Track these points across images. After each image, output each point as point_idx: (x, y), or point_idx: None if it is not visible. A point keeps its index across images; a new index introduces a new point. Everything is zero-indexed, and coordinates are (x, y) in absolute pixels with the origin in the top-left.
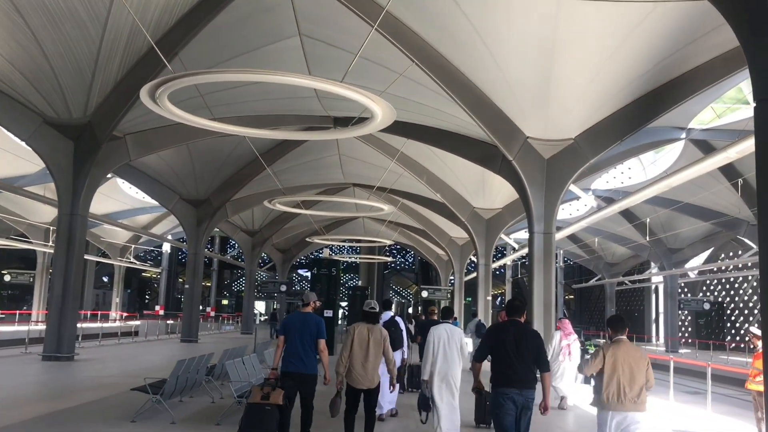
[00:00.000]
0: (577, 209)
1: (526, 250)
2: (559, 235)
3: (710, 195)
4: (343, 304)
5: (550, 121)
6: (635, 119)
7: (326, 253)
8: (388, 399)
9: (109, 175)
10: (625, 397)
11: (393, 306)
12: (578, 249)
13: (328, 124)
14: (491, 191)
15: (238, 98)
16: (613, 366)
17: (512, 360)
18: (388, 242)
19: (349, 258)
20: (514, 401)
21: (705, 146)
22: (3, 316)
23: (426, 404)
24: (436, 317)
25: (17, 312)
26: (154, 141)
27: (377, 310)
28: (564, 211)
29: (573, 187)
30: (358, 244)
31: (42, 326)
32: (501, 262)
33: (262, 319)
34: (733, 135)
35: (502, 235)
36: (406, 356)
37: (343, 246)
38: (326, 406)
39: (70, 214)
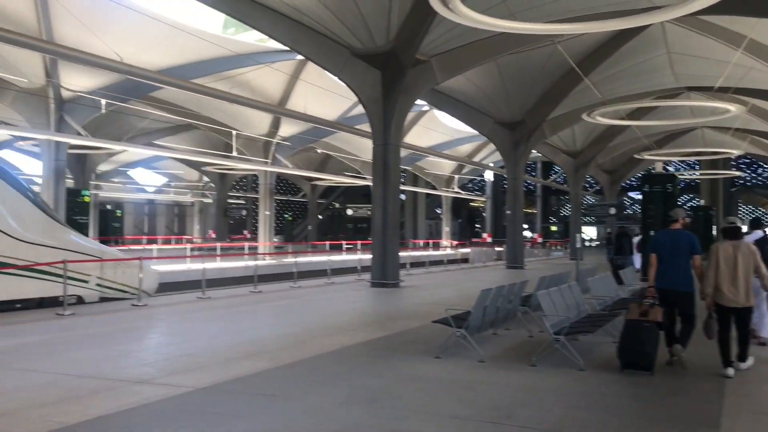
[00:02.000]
0: None
1: None
2: None
3: None
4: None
5: None
6: None
7: (659, 166)
8: (761, 320)
9: (426, 107)
10: None
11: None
12: None
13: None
14: None
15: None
16: None
17: None
18: (736, 152)
19: (688, 174)
20: None
21: None
22: (350, 246)
23: None
24: None
25: (359, 242)
26: (459, 60)
27: (738, 225)
28: None
29: None
30: (698, 157)
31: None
32: None
33: (592, 244)
34: None
35: None
36: None
37: (680, 164)
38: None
39: (384, 144)
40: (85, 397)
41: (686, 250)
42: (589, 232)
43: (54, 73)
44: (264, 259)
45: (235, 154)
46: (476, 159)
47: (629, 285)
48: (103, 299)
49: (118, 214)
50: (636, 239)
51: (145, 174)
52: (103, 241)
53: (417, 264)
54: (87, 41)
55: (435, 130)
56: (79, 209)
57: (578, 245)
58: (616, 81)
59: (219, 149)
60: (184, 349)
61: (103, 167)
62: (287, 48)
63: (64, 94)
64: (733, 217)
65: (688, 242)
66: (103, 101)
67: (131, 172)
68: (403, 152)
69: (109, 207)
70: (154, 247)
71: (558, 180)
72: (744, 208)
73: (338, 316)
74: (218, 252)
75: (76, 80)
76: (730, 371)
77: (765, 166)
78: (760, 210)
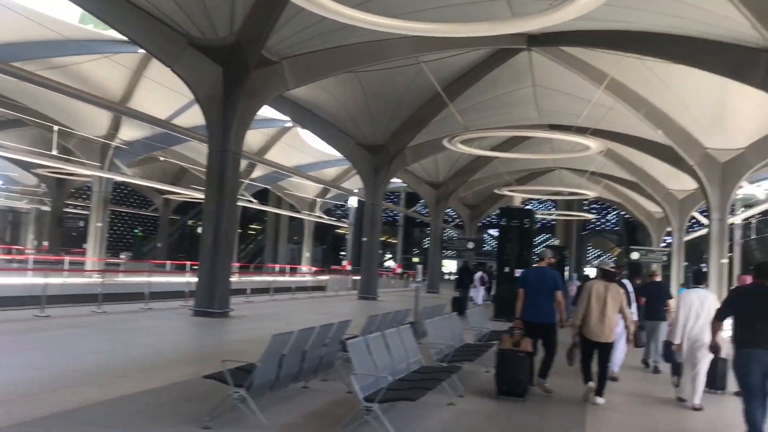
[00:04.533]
0: None
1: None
2: None
3: None
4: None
5: None
6: None
7: (517, 200)
8: (618, 359)
9: (289, 123)
10: None
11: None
12: None
13: (521, 44)
14: (732, 126)
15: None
16: None
17: (758, 322)
18: (591, 194)
19: (544, 214)
20: (760, 362)
21: None
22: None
23: (677, 368)
24: (657, 279)
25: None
26: (314, 66)
27: (613, 269)
28: None
29: None
30: (556, 197)
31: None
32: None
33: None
34: None
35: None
36: (635, 317)
37: (538, 204)
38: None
39: (221, 151)
40: None
41: (550, 287)
42: (450, 265)
43: None
44: (62, 276)
45: (55, 152)
46: (343, 184)
47: (474, 326)
48: None
49: None
50: (478, 274)
51: None
52: None
53: (262, 290)
54: None
55: (300, 150)
56: None
57: (419, 278)
58: (481, 111)
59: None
60: None
61: None
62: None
63: None
64: (610, 261)
65: (552, 279)
66: None
67: None
68: (264, 170)
69: None
70: None
71: (422, 211)
72: (593, 251)
73: (114, 355)
74: (30, 265)
75: None
76: (600, 400)
77: (613, 211)
78: (607, 254)
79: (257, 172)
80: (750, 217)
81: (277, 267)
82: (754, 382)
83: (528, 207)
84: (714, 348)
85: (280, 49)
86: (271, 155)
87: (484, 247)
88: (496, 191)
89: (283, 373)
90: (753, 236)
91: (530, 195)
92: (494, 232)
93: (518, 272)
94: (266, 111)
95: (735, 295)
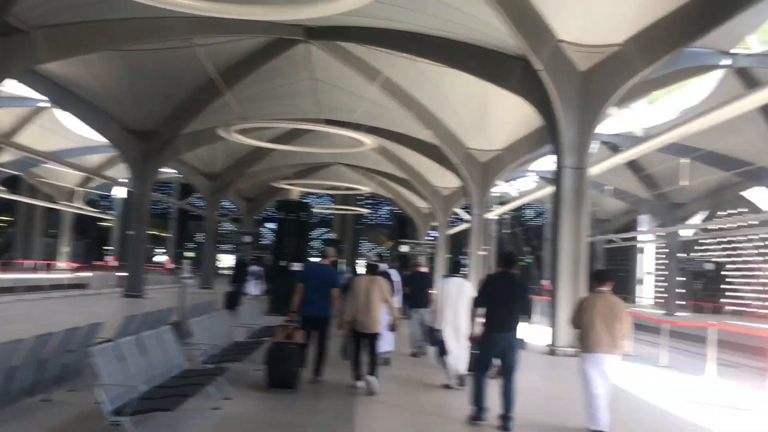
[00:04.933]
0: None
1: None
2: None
3: (738, 141)
4: (316, 260)
5: (592, 19)
6: (701, 20)
7: (295, 194)
8: (388, 341)
9: (45, 104)
10: (603, 340)
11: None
12: None
13: (299, 35)
14: (491, 129)
15: None
16: (593, 313)
17: (503, 307)
18: (365, 189)
19: (322, 208)
20: (498, 344)
21: (748, 78)
22: None
23: (443, 349)
24: (422, 269)
25: None
26: (74, 39)
27: (376, 263)
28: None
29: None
30: (334, 191)
31: None
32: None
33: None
34: None
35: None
36: (399, 305)
37: (317, 198)
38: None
39: None
40: None
41: (329, 284)
42: (228, 260)
43: None
44: None
45: None
46: (109, 173)
47: (247, 323)
48: None
49: None
50: (254, 268)
51: None
52: None
53: (6, 290)
54: None
55: (58, 134)
56: None
57: (186, 274)
58: (260, 101)
59: None
60: None
61: None
62: None
63: None
64: (373, 257)
65: (331, 276)
66: None
67: None
68: (15, 155)
69: None
70: None
71: (197, 204)
72: (368, 245)
73: None
74: None
75: None
76: (360, 384)
77: (386, 207)
78: (381, 247)
79: (5, 157)
80: (504, 213)
81: (31, 263)
82: (486, 362)
83: (306, 201)
84: (472, 336)
85: (32, 16)
86: (23, 138)
87: (262, 240)
88: (274, 184)
89: (14, 387)
90: (506, 230)
91: (308, 189)
92: (273, 226)
93: (295, 266)
94: (16, 87)
95: (485, 284)
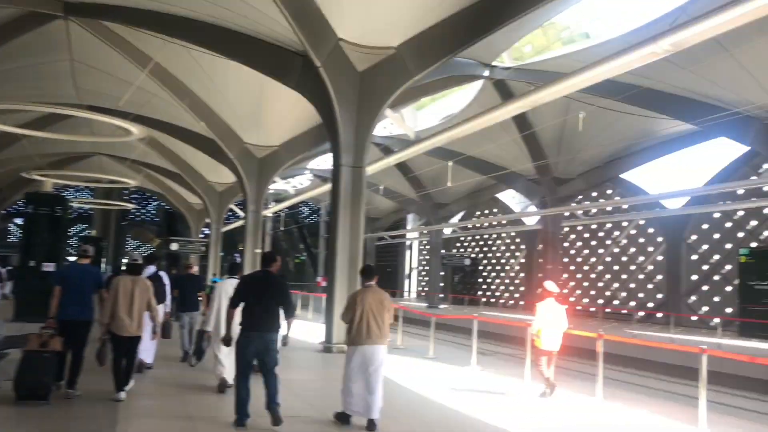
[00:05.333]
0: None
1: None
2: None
3: (494, 147)
4: (72, 258)
5: (370, 21)
6: (467, 31)
7: (49, 186)
8: (146, 348)
9: None
10: (372, 332)
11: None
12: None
13: (57, 10)
14: (269, 124)
15: None
16: (362, 306)
17: (259, 307)
18: (132, 183)
19: (80, 202)
20: (254, 343)
21: (504, 90)
22: None
23: (201, 352)
24: (193, 271)
25: None
26: None
27: (140, 262)
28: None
29: None
30: (95, 184)
31: None
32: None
33: None
34: (539, 77)
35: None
36: (168, 309)
37: (75, 191)
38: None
39: None
40: None
41: (91, 284)
42: None
43: None
44: None
45: None
46: None
47: None
48: None
49: None
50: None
51: None
52: None
53: None
54: None
55: None
56: None
57: None
58: (9, 81)
59: None
60: None
61: None
62: None
63: None
64: (136, 255)
65: (94, 277)
66: None
67: None
68: None
69: None
70: None
71: None
72: (133, 243)
73: None
74: None
75: None
76: (122, 395)
77: (154, 202)
78: (148, 245)
79: None
80: (279, 210)
81: None
82: (246, 362)
83: (62, 194)
84: (226, 340)
85: None
86: None
87: (9, 238)
88: (24, 175)
89: None
90: (282, 228)
91: (65, 181)
92: (21, 221)
93: (48, 266)
94: None
95: (243, 283)
